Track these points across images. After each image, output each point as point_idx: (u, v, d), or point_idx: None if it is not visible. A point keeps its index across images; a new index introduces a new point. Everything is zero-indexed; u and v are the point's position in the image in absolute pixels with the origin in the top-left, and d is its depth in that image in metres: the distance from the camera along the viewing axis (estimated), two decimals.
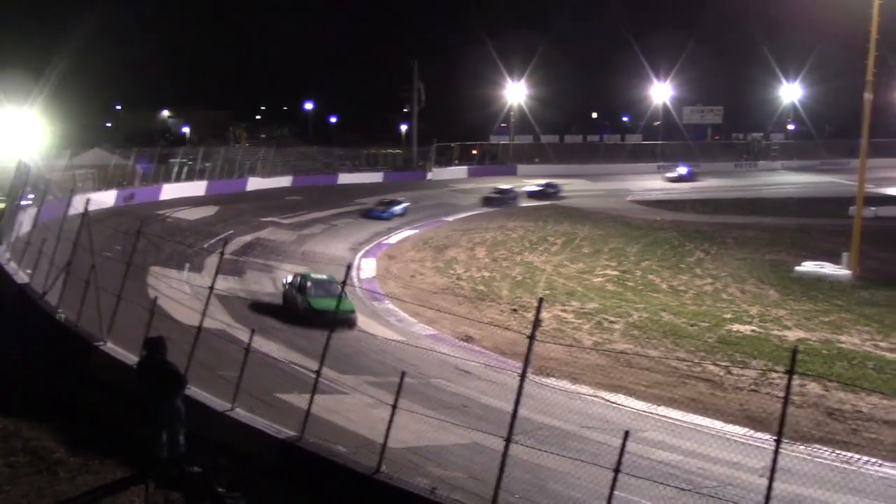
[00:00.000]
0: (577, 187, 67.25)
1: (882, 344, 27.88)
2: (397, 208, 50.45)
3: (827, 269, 38.34)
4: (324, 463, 12.49)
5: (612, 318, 29.80)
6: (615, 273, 37.62)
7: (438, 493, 12.80)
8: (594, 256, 41.07)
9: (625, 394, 21.82)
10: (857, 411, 21.10)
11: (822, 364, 24.44)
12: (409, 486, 12.11)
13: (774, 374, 20.87)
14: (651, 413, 20.46)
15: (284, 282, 28.95)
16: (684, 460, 16.96)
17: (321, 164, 67.99)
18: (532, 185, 62.82)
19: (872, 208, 47.93)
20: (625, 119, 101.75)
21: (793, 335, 28.30)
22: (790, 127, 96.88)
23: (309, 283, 27.45)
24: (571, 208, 56.98)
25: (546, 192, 61.05)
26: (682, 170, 73.88)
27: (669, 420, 20.12)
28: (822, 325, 30.01)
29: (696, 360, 24.92)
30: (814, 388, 21.85)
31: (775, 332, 28.56)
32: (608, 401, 21.25)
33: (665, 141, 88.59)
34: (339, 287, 26.88)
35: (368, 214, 49.09)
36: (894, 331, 29.54)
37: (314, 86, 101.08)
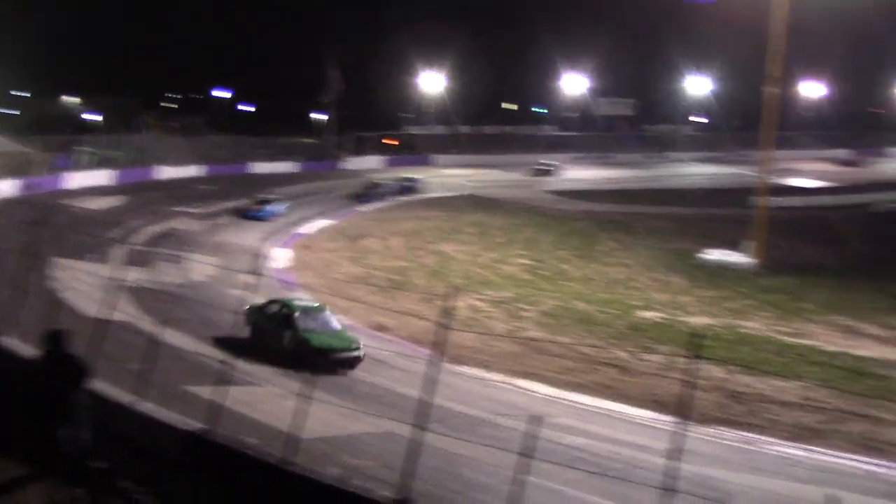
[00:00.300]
0: (492, 178, 67.85)
1: (782, 329, 29.00)
2: (276, 207, 46.55)
3: (731, 257, 39.67)
4: (234, 455, 12.34)
5: (525, 307, 30.21)
6: (529, 262, 38.12)
7: (351, 482, 12.80)
8: (508, 246, 41.52)
9: (537, 380, 22.16)
10: (759, 394, 21.91)
11: (726, 349, 25.21)
12: (321, 476, 12.07)
13: (680, 359, 21.39)
14: (562, 399, 20.85)
15: (251, 308, 22.93)
16: (594, 444, 17.36)
17: (235, 153, 66.81)
18: (390, 179, 59.56)
19: (775, 198, 49.49)
20: (541, 110, 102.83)
21: (698, 321, 29.16)
22: (699, 119, 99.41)
23: (297, 314, 22.33)
24: (486, 198, 57.39)
25: (404, 187, 58.30)
26: (548, 166, 72.54)
27: (580, 405, 20.56)
28: (726, 312, 31.02)
29: (606, 347, 25.48)
30: (718, 372, 22.54)
31: (682, 319, 29.39)
32: (520, 388, 21.60)
33: (580, 132, 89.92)
34: (332, 316, 22.86)
35: (245, 215, 44.98)
36: (794, 316, 30.76)
37: (229, 74, 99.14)
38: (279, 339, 21.75)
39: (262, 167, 65.15)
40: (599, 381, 22.37)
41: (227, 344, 19.94)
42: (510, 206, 54.18)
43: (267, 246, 38.54)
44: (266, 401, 17.51)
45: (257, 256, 34.31)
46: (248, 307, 22.99)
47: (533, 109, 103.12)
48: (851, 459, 18.04)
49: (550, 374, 22.68)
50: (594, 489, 14.98)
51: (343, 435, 16.70)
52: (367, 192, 54.89)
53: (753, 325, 29.31)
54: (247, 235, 40.56)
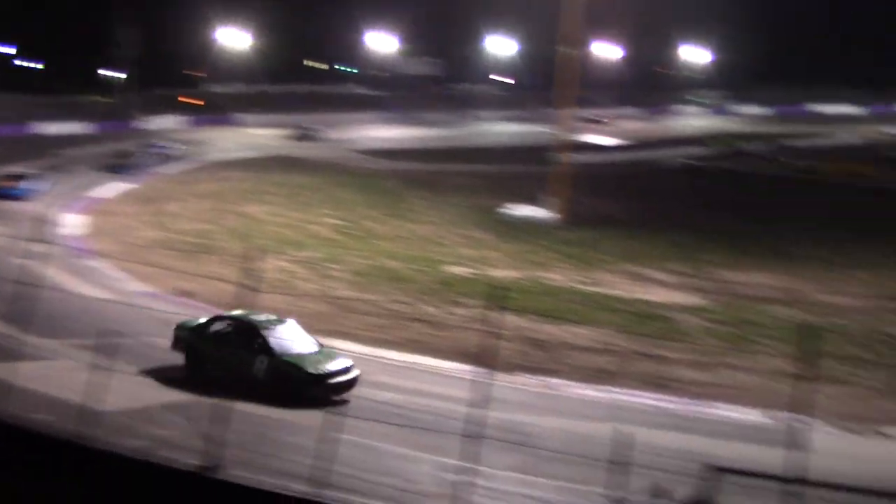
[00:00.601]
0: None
1: (582, 279, 30.51)
2: (35, 184, 39.80)
3: (535, 212, 41.25)
4: (23, 434, 11.63)
5: (334, 266, 30.16)
6: (338, 222, 37.99)
7: (155, 454, 12.41)
8: (317, 206, 41.16)
9: (348, 339, 22.17)
10: (560, 341, 23.01)
11: (531, 300, 26.18)
12: (121, 448, 11.60)
13: (487, 312, 22.17)
14: (373, 356, 21.01)
15: (184, 328, 19.00)
16: (405, 398, 17.66)
17: (18, 112, 62.01)
18: (143, 147, 53.18)
19: (575, 155, 51.53)
20: (350, 70, 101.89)
21: (505, 275, 30.13)
22: (505, 79, 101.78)
23: (267, 332, 18.08)
24: (293, 158, 56.51)
25: (161, 155, 52.04)
26: (311, 129, 68.19)
27: (391, 361, 20.83)
28: (530, 265, 32.23)
29: (416, 303, 25.91)
30: (522, 322, 23.38)
31: (489, 273, 30.24)
32: (332, 347, 21.57)
33: (389, 92, 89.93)
34: (301, 330, 18.87)
35: None
36: (592, 267, 32.41)
37: (11, 27, 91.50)
38: (246, 367, 17.51)
39: (50, 128, 60.88)
40: (409, 337, 22.72)
41: (10, 314, 18.28)
42: (316, 166, 53.63)
43: (57, 212, 36.23)
44: (62, 375, 16.57)
45: (46, 223, 32.24)
46: (178, 326, 18.87)
47: (340, 68, 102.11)
48: (642, 397, 19.36)
49: (361, 332, 22.79)
50: (405, 442, 15.29)
51: (148, 406, 16.13)
52: (122, 163, 48.34)
53: (556, 277, 30.62)
54: (34, 201, 37.94)
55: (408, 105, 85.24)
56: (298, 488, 12.57)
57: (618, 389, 19.68)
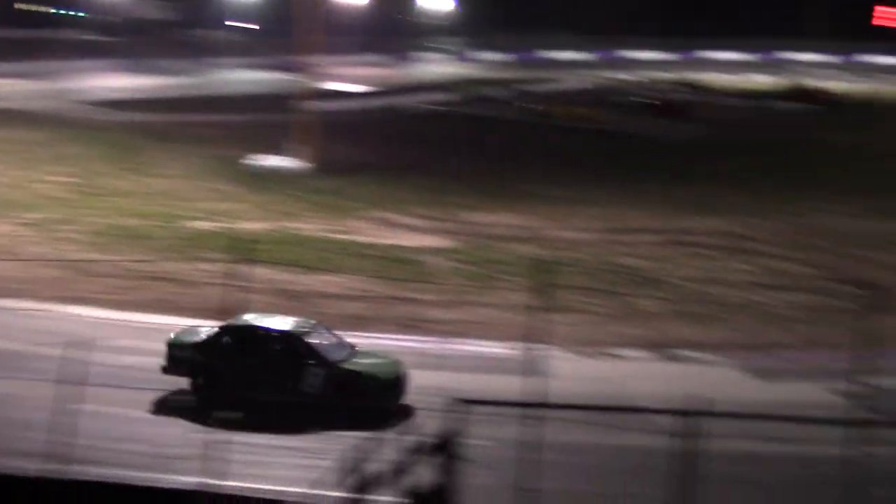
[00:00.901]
0: (16, 88, 61.01)
1: (333, 227, 30.52)
2: None
3: (283, 162, 40.53)
4: None
5: (69, 227, 28.21)
6: (70, 180, 35.36)
7: None
8: (44, 163, 38.05)
9: (88, 304, 21.04)
10: (313, 291, 22.97)
11: (281, 251, 25.86)
12: None
13: (236, 266, 21.65)
14: (116, 320, 20.13)
15: (182, 343, 16.90)
16: (151, 361, 16.93)
17: None
18: None
19: (323, 103, 51.05)
20: (74, 13, 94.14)
21: (254, 227, 29.49)
22: (247, 25, 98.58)
23: (309, 337, 16.51)
24: (13, 111, 51.64)
25: None
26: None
27: (135, 324, 20.00)
28: (280, 216, 31.79)
29: (160, 261, 24.85)
30: (273, 273, 23.08)
31: (237, 226, 29.46)
32: (71, 314, 20.40)
33: (120, 38, 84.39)
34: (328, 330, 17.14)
35: None
36: (343, 215, 32.45)
37: None
38: (291, 382, 15.72)
39: None
40: (155, 297, 21.81)
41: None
42: (41, 119, 49.39)
43: None
44: None
45: None
46: (172, 344, 16.68)
47: (63, 12, 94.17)
48: (396, 339, 19.86)
49: (102, 295, 21.63)
50: (152, 406, 14.76)
51: None
52: None
53: (306, 227, 30.41)
54: None
55: (141, 52, 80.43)
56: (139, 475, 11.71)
57: (373, 334, 19.98)
